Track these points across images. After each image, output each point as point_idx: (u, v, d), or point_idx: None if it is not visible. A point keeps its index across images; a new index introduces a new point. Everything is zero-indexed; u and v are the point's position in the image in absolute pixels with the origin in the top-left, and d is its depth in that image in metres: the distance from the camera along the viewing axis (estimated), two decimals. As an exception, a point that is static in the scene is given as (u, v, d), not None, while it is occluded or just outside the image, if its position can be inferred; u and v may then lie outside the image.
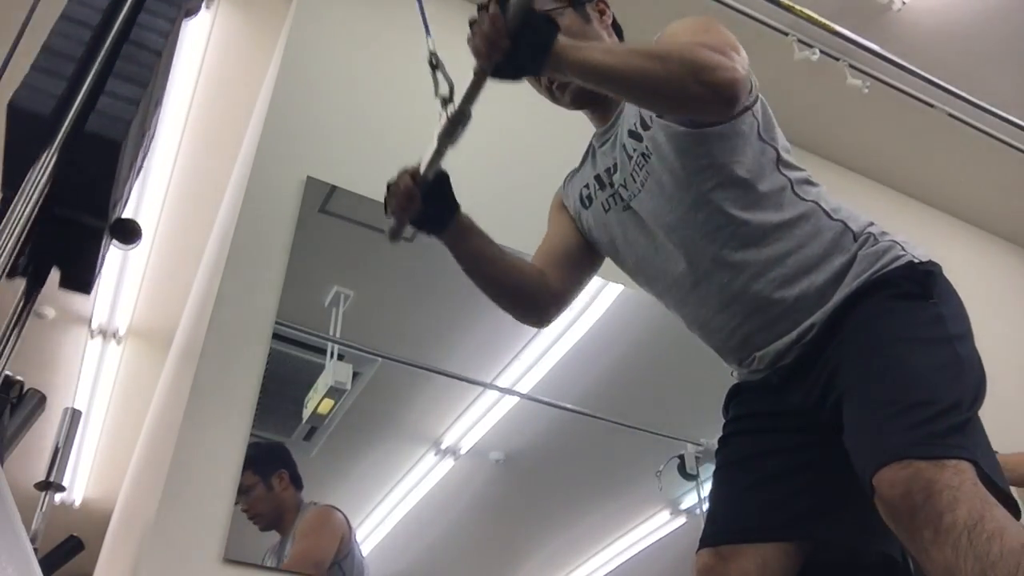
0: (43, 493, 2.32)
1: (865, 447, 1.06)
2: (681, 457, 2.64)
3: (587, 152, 1.50)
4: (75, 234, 0.86)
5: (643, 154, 1.31)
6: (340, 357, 2.31)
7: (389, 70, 2.87)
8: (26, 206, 0.78)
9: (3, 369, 0.84)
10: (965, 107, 3.23)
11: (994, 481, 1.01)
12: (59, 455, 2.36)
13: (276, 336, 2.18)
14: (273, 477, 2.08)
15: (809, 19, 2.84)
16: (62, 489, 2.35)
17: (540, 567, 2.43)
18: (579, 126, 1.52)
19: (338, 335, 2.34)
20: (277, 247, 2.31)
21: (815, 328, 1.20)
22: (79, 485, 5.61)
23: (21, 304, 0.85)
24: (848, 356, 1.15)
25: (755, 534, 1.22)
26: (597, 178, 1.42)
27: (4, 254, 0.75)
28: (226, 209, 3.13)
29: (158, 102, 1.05)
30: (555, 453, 2.55)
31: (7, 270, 0.76)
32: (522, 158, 2.86)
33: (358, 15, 2.95)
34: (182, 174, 3.68)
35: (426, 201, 1.33)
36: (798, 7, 2.82)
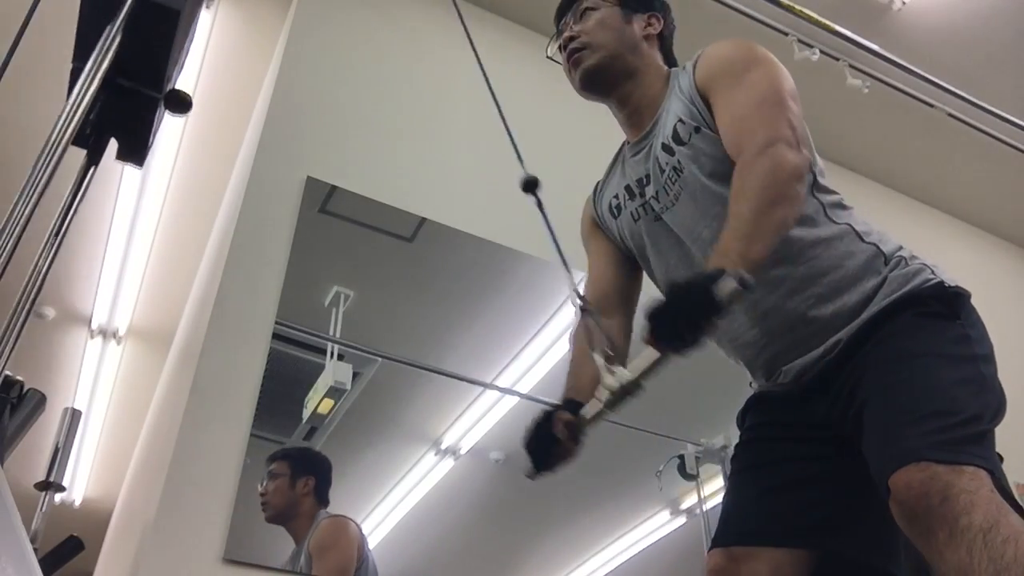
0: (43, 493, 2.32)
1: (883, 450, 1.07)
2: (681, 457, 2.64)
3: (614, 161, 1.52)
4: (134, 104, 0.91)
5: (675, 168, 1.33)
6: (340, 357, 2.31)
7: (389, 70, 2.87)
8: (93, 75, 0.83)
9: (3, 369, 0.84)
10: (965, 107, 3.22)
11: (1007, 491, 1.01)
12: (59, 455, 2.36)
13: (276, 336, 2.18)
14: (301, 478, 2.13)
15: (809, 19, 2.84)
16: (62, 489, 2.35)
17: (540, 567, 2.43)
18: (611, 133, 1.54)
19: (338, 335, 2.34)
20: (277, 247, 2.31)
21: (841, 344, 1.21)
22: (79, 485, 5.61)
23: (79, 177, 0.90)
24: (871, 368, 1.16)
25: (769, 538, 1.23)
26: (627, 188, 1.43)
27: (74, 121, 0.81)
28: (226, 209, 3.13)
29: None
30: (555, 453, 2.55)
31: (74, 137, 0.82)
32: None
33: (358, 15, 2.95)
34: (182, 174, 3.68)
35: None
36: (798, 7, 2.82)
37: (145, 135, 0.95)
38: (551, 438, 1.25)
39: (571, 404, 1.26)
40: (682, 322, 1.03)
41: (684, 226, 1.33)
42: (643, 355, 1.09)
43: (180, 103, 0.94)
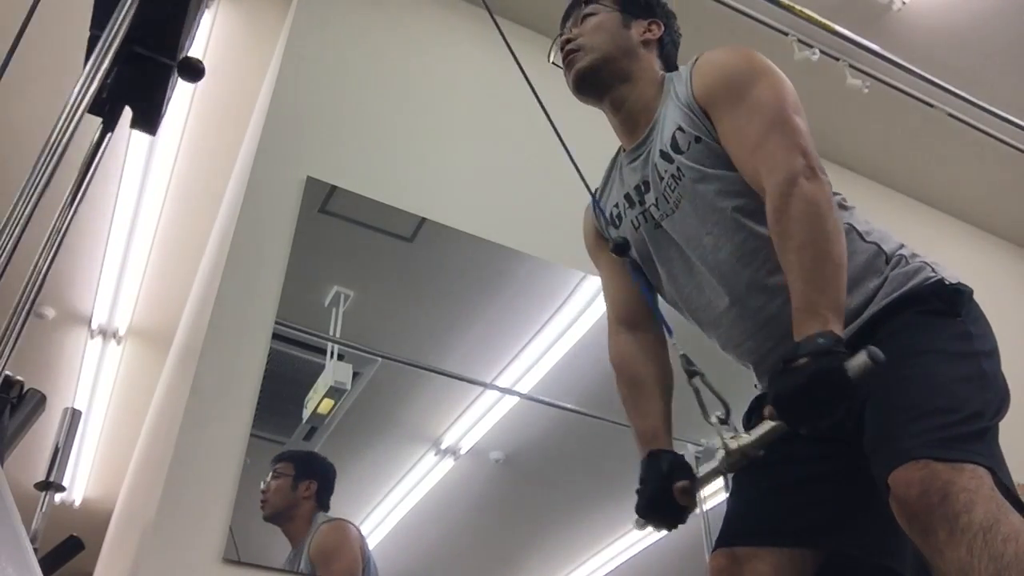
0: (43, 493, 2.32)
1: (883, 448, 1.07)
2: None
3: (611, 168, 1.51)
4: (148, 72, 0.94)
5: (674, 175, 1.32)
6: (340, 357, 2.31)
7: (390, 70, 2.87)
8: (110, 43, 0.86)
9: (3, 369, 0.84)
10: (965, 107, 3.23)
11: (1009, 489, 1.01)
12: (59, 455, 2.36)
13: (276, 336, 2.18)
14: (303, 481, 2.14)
15: (809, 19, 2.85)
16: (62, 489, 2.35)
17: (540, 567, 2.42)
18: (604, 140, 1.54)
19: (338, 335, 2.34)
20: (277, 247, 2.31)
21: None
22: (79, 485, 5.61)
23: (95, 144, 0.91)
24: None
25: (771, 538, 1.23)
26: (627, 196, 1.43)
27: (91, 89, 0.83)
28: (226, 209, 3.13)
29: None
30: (555, 453, 2.55)
31: (91, 105, 0.83)
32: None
33: (358, 15, 2.95)
34: (182, 174, 3.68)
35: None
36: (798, 7, 2.82)
37: (159, 103, 0.97)
38: (672, 505, 1.26)
39: (666, 458, 1.29)
40: (815, 409, 1.03)
41: (685, 233, 1.32)
42: (767, 426, 1.10)
43: (193, 71, 0.96)
